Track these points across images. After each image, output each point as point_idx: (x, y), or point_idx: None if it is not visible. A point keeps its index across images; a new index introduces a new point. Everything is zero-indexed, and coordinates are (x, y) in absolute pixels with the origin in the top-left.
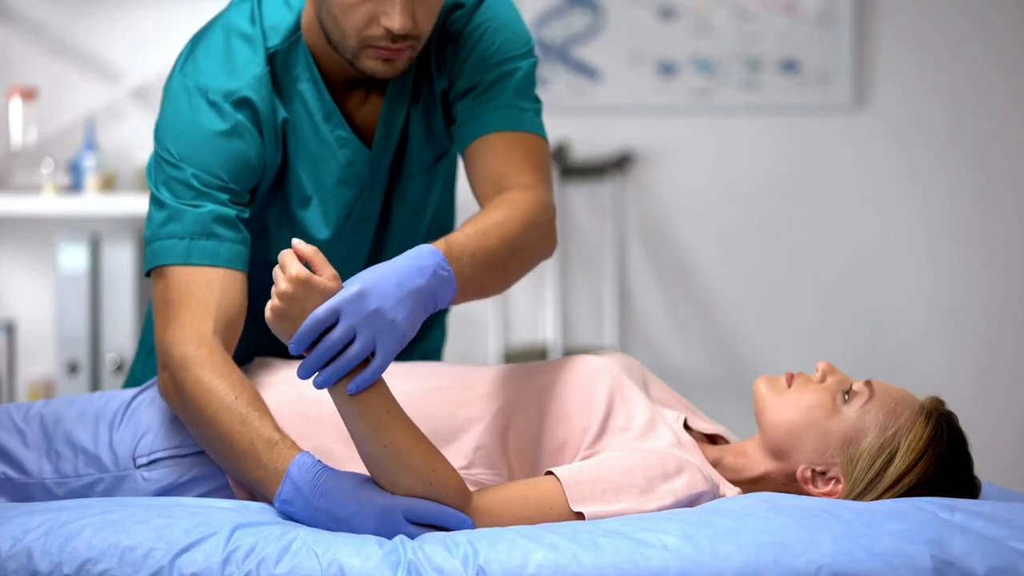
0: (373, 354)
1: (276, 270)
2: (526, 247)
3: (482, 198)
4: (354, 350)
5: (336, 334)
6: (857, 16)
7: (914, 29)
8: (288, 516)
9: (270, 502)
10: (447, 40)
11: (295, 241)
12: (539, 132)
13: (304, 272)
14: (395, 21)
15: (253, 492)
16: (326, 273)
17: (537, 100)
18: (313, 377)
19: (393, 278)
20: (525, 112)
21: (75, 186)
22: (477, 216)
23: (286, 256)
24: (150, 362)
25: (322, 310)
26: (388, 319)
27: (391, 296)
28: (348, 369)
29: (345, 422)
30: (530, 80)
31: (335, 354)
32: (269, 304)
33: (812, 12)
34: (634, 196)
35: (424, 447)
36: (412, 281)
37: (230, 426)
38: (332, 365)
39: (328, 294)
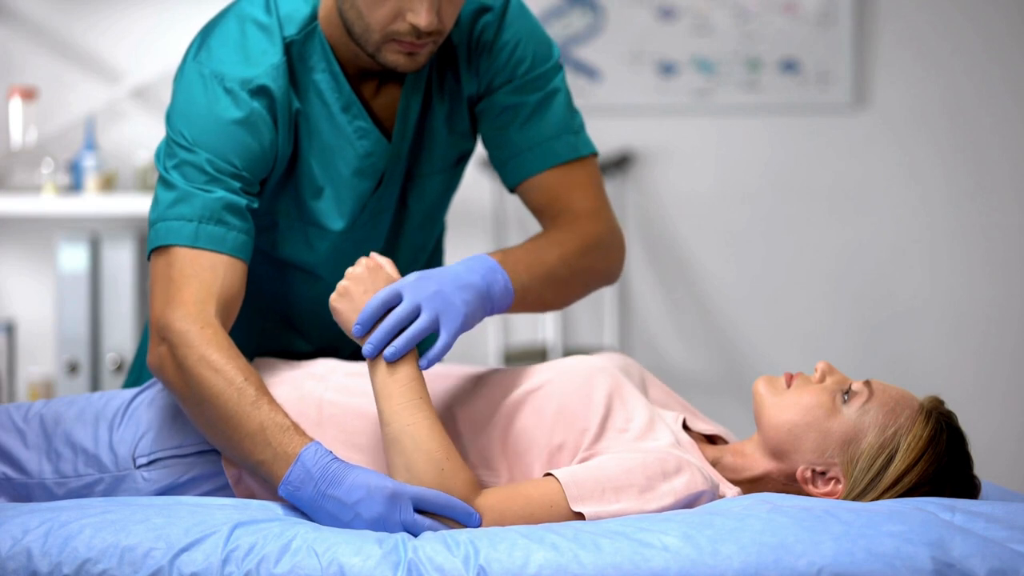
0: (437, 334)
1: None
2: (589, 267)
3: (544, 223)
4: (421, 323)
5: (402, 308)
6: (857, 16)
7: (914, 29)
8: (289, 503)
9: (272, 485)
10: (480, 46)
11: (372, 253)
12: (593, 150)
13: (376, 261)
14: (422, 18)
15: (253, 486)
16: (395, 276)
17: (577, 110)
18: (376, 358)
19: (449, 273)
20: (579, 135)
21: (75, 186)
22: (539, 234)
23: (361, 258)
24: None
25: (385, 290)
26: (449, 300)
27: (450, 283)
28: (416, 341)
29: (379, 400)
30: (569, 94)
31: (400, 329)
32: (337, 288)
33: (812, 12)
34: (634, 196)
35: (441, 435)
36: (466, 276)
37: (239, 406)
38: (401, 337)
39: (392, 282)
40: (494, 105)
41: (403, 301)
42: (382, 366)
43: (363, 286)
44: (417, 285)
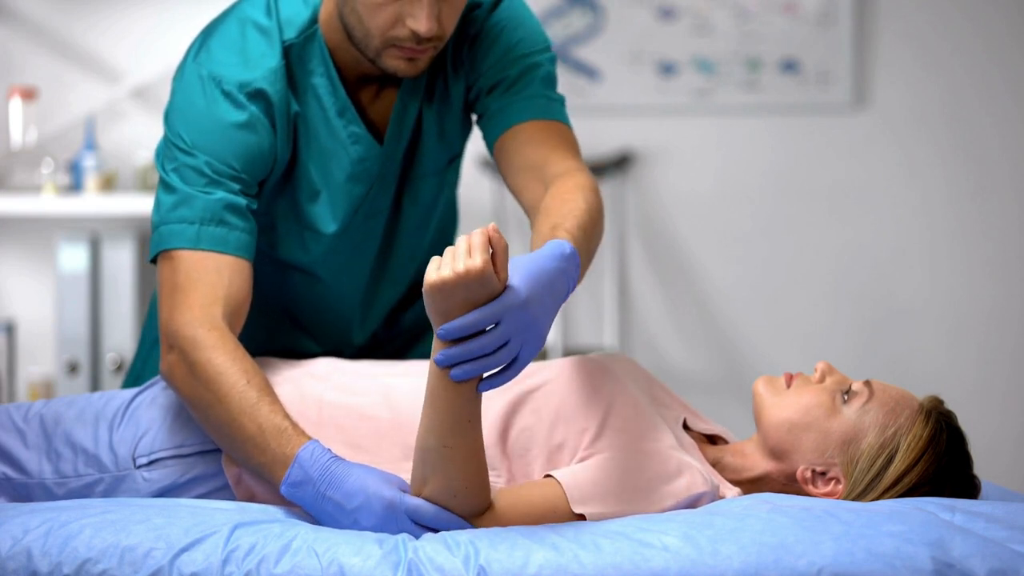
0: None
1: (461, 241)
2: (599, 234)
3: (522, 187)
4: (503, 355)
5: (492, 338)
6: (857, 16)
7: (914, 29)
8: (289, 505)
9: (273, 488)
10: (463, 40)
11: (493, 227)
12: (568, 122)
13: (489, 268)
14: (421, 23)
15: (253, 486)
16: (502, 276)
17: (560, 94)
18: (443, 365)
19: (547, 283)
20: (553, 102)
21: (75, 186)
22: (567, 209)
23: (479, 241)
24: (151, 360)
25: (488, 313)
26: (538, 331)
27: (544, 305)
28: (489, 370)
29: (427, 407)
30: (553, 75)
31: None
32: (439, 271)
33: (812, 12)
34: (634, 196)
35: (474, 463)
36: (558, 285)
37: (240, 410)
38: (477, 362)
39: (493, 290)
40: (482, 88)
41: (498, 329)
42: (443, 377)
43: (467, 292)
44: (517, 316)
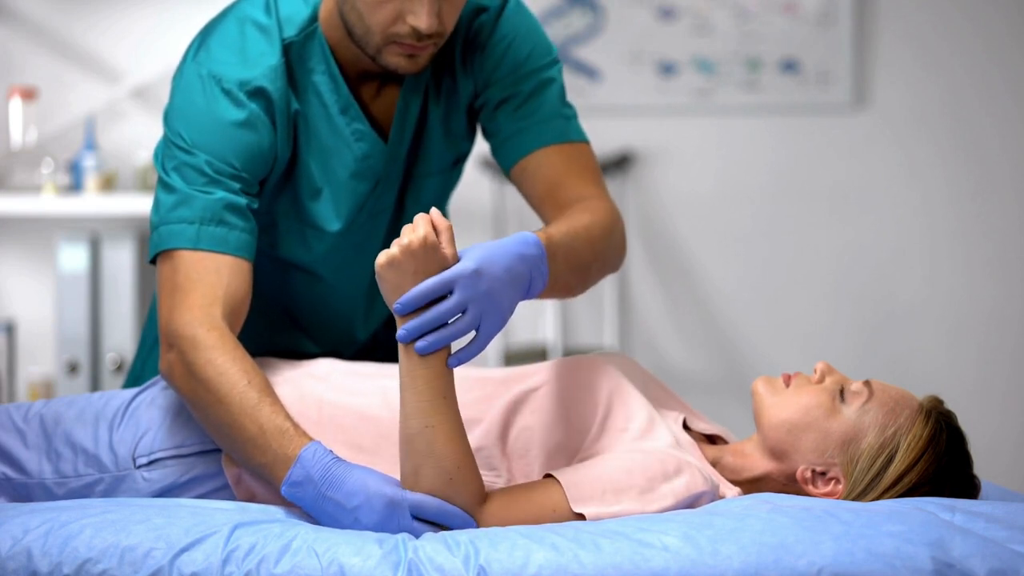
0: (476, 332)
1: (406, 226)
2: (606, 254)
3: (545, 210)
4: (463, 323)
5: (448, 304)
6: (857, 16)
7: (914, 29)
8: (290, 505)
9: (274, 489)
10: (474, 45)
11: (434, 211)
12: (585, 139)
13: (433, 238)
14: (422, 20)
15: (253, 486)
16: (448, 251)
17: (572, 105)
18: (409, 344)
19: (502, 262)
20: (570, 121)
21: (75, 186)
22: (565, 218)
23: (421, 218)
24: (151, 360)
25: (439, 280)
26: (496, 301)
27: (500, 280)
28: (452, 340)
29: (403, 390)
30: (563, 86)
31: (441, 324)
32: (387, 252)
33: (812, 12)
34: (634, 196)
35: (460, 441)
36: (517, 268)
37: (241, 410)
38: (438, 333)
39: (444, 265)
40: (491, 99)
41: (452, 296)
42: (412, 355)
43: (415, 264)
44: (470, 282)
